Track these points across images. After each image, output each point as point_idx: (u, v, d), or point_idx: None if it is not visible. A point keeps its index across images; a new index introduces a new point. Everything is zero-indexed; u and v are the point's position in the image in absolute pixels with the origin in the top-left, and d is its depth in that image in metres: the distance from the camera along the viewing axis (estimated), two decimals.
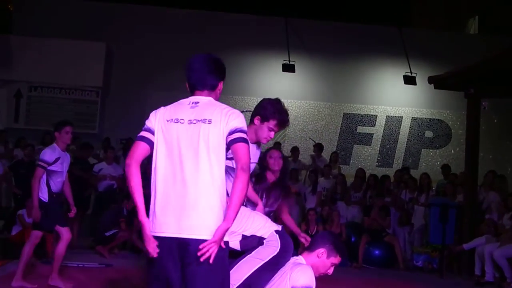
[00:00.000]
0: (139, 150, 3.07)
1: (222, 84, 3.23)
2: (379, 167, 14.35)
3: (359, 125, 14.89)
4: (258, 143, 4.11)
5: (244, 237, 3.74)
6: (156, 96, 12.86)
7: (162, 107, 3.17)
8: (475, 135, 9.72)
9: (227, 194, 3.05)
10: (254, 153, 3.98)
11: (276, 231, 3.80)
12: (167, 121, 3.07)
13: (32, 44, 13.46)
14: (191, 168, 2.97)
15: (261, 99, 4.20)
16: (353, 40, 14.60)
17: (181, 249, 2.95)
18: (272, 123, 4.00)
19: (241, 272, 3.65)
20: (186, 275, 2.96)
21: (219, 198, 2.98)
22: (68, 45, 13.47)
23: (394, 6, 16.98)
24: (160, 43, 13.90)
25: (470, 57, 11.39)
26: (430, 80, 10.11)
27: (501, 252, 8.32)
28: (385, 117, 14.93)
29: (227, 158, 3.05)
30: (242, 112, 3.13)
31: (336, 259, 3.86)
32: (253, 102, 12.47)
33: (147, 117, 3.17)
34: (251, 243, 3.75)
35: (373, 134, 14.91)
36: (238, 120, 3.02)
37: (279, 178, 4.69)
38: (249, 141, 3.06)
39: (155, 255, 2.95)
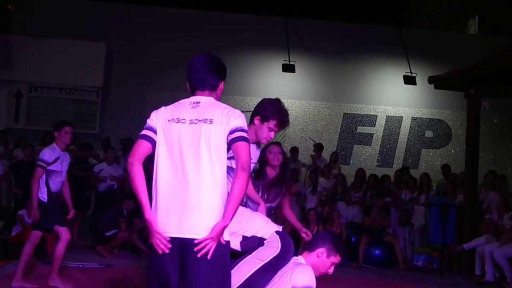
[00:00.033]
0: (141, 149, 3.07)
1: (223, 84, 3.23)
2: (379, 167, 14.35)
3: (359, 125, 14.90)
4: (258, 143, 4.11)
5: (244, 238, 3.73)
6: (156, 96, 12.87)
7: (163, 107, 3.17)
8: (475, 135, 9.72)
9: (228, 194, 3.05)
10: (254, 153, 3.98)
11: (277, 232, 3.79)
12: (169, 121, 3.07)
13: (32, 44, 13.46)
14: (193, 168, 2.98)
15: (261, 99, 4.20)
16: (353, 40, 14.61)
17: (182, 249, 2.94)
18: (272, 123, 4.00)
19: (241, 272, 3.65)
20: (187, 275, 2.96)
21: (220, 198, 2.98)
22: (68, 45, 13.48)
23: (394, 6, 16.97)
24: (160, 43, 13.90)
25: (470, 57, 11.39)
26: (430, 80, 10.11)
27: (501, 252, 8.32)
28: (385, 117, 14.94)
29: (227, 158, 3.06)
30: (242, 112, 3.13)
31: (336, 259, 3.86)
32: (253, 102, 12.46)
33: (147, 117, 3.17)
34: (252, 244, 3.75)
35: (373, 134, 14.91)
36: (239, 119, 3.03)
37: (279, 173, 4.68)
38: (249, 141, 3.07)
39: (166, 250, 2.94)
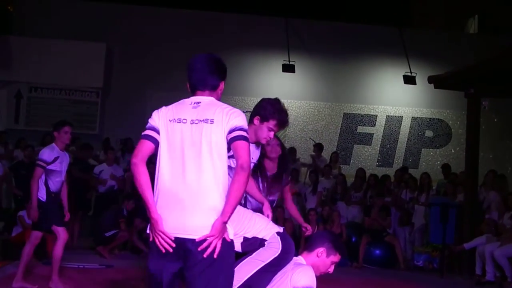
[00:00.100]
0: (144, 149, 3.06)
1: (223, 84, 3.23)
2: (379, 167, 14.35)
3: (359, 125, 14.90)
4: (257, 143, 4.11)
5: (245, 239, 3.73)
6: (156, 97, 12.87)
7: (164, 107, 3.17)
8: (475, 135, 9.72)
9: None
10: (254, 152, 3.98)
11: (278, 233, 3.79)
12: (170, 121, 3.08)
13: (32, 45, 13.46)
14: (194, 168, 2.98)
15: (261, 99, 4.20)
16: (353, 40, 14.61)
17: (184, 249, 2.95)
18: (271, 123, 3.99)
19: (241, 273, 3.64)
20: (189, 276, 2.96)
21: (222, 198, 2.98)
22: (68, 45, 13.48)
23: (394, 6, 16.94)
24: (160, 43, 13.91)
25: (470, 57, 11.42)
26: (430, 79, 10.11)
27: (502, 251, 8.31)
28: (385, 117, 14.94)
29: (227, 157, 3.06)
30: (242, 112, 3.13)
31: (336, 257, 3.87)
32: (253, 102, 12.38)
33: (147, 117, 3.17)
34: (253, 245, 3.75)
35: (373, 134, 14.91)
36: (238, 118, 3.03)
37: (278, 166, 4.67)
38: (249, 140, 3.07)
39: (170, 250, 2.94)
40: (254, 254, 3.73)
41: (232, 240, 3.05)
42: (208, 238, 2.91)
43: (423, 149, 15.02)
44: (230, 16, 14.54)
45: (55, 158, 6.34)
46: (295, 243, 3.96)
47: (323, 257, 3.84)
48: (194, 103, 3.11)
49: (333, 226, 10.03)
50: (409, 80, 13.99)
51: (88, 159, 11.07)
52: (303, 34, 14.54)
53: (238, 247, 3.72)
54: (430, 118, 15.06)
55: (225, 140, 3.01)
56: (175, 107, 3.14)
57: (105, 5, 14.21)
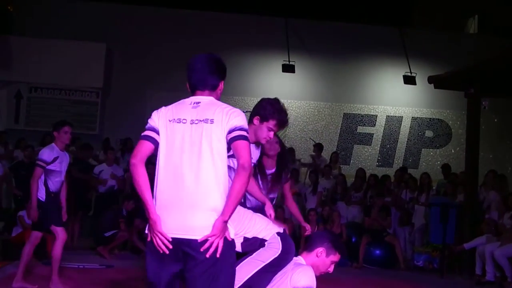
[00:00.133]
0: (143, 149, 3.06)
1: (222, 84, 3.23)
2: (379, 167, 14.36)
3: (359, 125, 14.90)
4: (257, 143, 4.10)
5: (245, 239, 3.73)
6: (156, 97, 12.87)
7: (163, 107, 3.17)
8: (475, 135, 9.72)
9: None
10: (254, 152, 3.97)
11: (278, 233, 3.79)
12: (170, 121, 3.07)
13: (32, 45, 13.46)
14: (194, 168, 2.97)
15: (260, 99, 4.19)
16: (353, 40, 14.61)
17: (183, 249, 2.95)
18: (271, 123, 3.99)
19: (242, 273, 3.64)
20: (188, 276, 2.96)
21: (222, 198, 2.98)
22: (68, 46, 13.48)
23: (394, 6, 16.95)
24: (160, 43, 13.90)
25: (470, 57, 11.41)
26: (430, 80, 10.11)
27: (502, 251, 8.31)
28: (385, 117, 14.94)
29: (227, 157, 3.06)
30: (242, 112, 3.13)
31: (335, 257, 3.87)
32: (253, 102, 12.36)
33: (147, 117, 3.17)
34: (253, 245, 3.75)
35: (373, 134, 14.91)
36: (238, 118, 3.03)
37: (277, 163, 4.66)
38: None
39: (167, 251, 2.94)
40: (254, 254, 3.73)
41: (233, 240, 3.05)
42: (210, 238, 2.91)
43: (423, 149, 15.02)
44: (230, 16, 14.54)
45: (54, 158, 6.33)
46: (295, 243, 3.96)
47: (322, 257, 3.84)
48: (194, 103, 3.10)
49: (333, 226, 10.03)
50: (409, 80, 13.99)
51: (88, 159, 11.07)
52: (303, 34, 14.54)
53: (238, 247, 3.72)
54: (430, 118, 15.07)
55: (225, 140, 3.00)
56: (174, 107, 3.13)
57: (105, 5, 14.21)
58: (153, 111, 3.19)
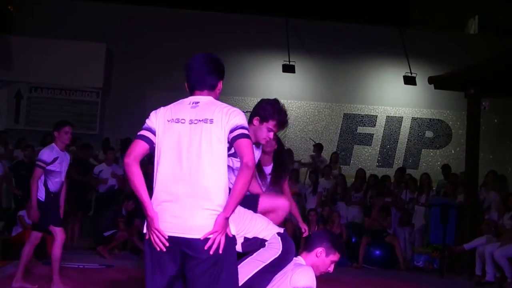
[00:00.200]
0: (138, 149, 3.06)
1: (221, 83, 3.23)
2: (379, 167, 14.36)
3: (359, 126, 14.90)
4: (257, 143, 4.10)
5: (246, 239, 3.73)
6: (156, 97, 12.88)
7: (162, 107, 3.17)
8: (475, 135, 9.72)
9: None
10: (254, 153, 3.96)
11: (278, 234, 3.79)
12: (168, 121, 3.07)
13: (32, 44, 13.47)
14: (194, 168, 2.97)
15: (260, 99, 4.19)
16: (353, 40, 14.61)
17: (183, 249, 2.95)
18: (271, 124, 3.99)
19: (242, 273, 3.64)
20: (189, 276, 2.96)
21: (223, 198, 2.98)
22: (68, 46, 13.49)
23: (394, 6, 16.97)
24: (160, 43, 13.90)
25: (470, 57, 11.39)
26: (430, 80, 10.11)
27: (502, 252, 8.31)
28: (385, 117, 14.94)
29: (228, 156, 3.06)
30: (242, 112, 3.13)
31: (335, 256, 3.87)
32: (253, 102, 12.37)
33: (147, 117, 3.17)
34: (253, 245, 3.75)
35: (373, 134, 14.91)
36: (238, 117, 3.03)
37: (275, 161, 4.65)
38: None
39: (164, 249, 2.95)
40: (254, 254, 3.73)
41: (234, 236, 3.05)
42: (211, 236, 2.92)
43: (423, 150, 15.02)
44: (230, 16, 14.54)
45: (54, 159, 6.32)
46: (295, 243, 3.96)
47: (322, 257, 3.85)
48: (193, 103, 3.10)
49: (333, 227, 10.03)
50: (409, 80, 13.99)
51: (89, 159, 11.08)
52: (303, 34, 14.54)
53: (239, 248, 3.72)
54: (430, 119, 15.06)
55: (226, 140, 3.00)
56: (173, 107, 3.13)
57: (105, 5, 14.21)
58: (153, 111, 3.19)
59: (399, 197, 10.90)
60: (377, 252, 9.92)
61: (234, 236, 3.05)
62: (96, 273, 7.82)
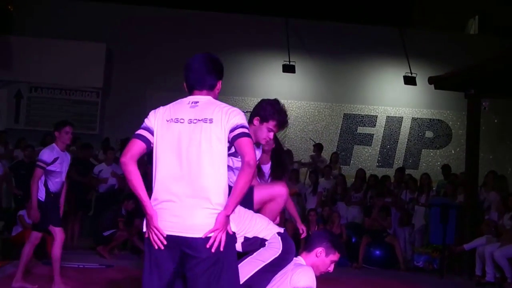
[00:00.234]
0: (135, 148, 3.05)
1: (220, 83, 3.23)
2: (379, 168, 14.36)
3: (359, 126, 14.90)
4: (257, 143, 4.10)
5: (246, 238, 3.73)
6: (156, 97, 12.87)
7: (161, 107, 3.17)
8: (475, 135, 9.72)
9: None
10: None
11: (278, 233, 3.79)
12: (167, 121, 3.07)
13: (32, 44, 13.48)
14: (193, 168, 2.97)
15: (260, 99, 4.20)
16: (353, 40, 14.61)
17: (182, 248, 2.95)
18: (271, 124, 3.99)
19: (242, 273, 3.64)
20: (189, 275, 2.97)
21: (223, 197, 2.98)
22: (68, 45, 13.49)
23: (394, 6, 16.97)
24: (160, 43, 13.91)
25: (470, 58, 11.38)
26: (430, 80, 10.11)
27: (502, 252, 8.31)
28: (385, 118, 14.94)
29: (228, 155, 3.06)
30: (242, 112, 3.13)
31: (335, 256, 3.87)
32: (253, 102, 12.36)
33: (147, 116, 3.17)
34: (253, 245, 3.75)
35: (373, 134, 14.91)
36: (238, 117, 3.03)
37: (273, 160, 4.65)
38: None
39: (162, 247, 2.95)
40: (254, 254, 3.73)
41: (234, 234, 3.06)
42: (213, 234, 2.92)
43: (423, 150, 15.02)
44: (230, 16, 14.54)
45: (55, 159, 6.31)
46: (295, 243, 3.96)
47: (322, 257, 3.85)
48: (192, 103, 3.10)
49: (333, 227, 10.03)
50: (409, 80, 13.99)
51: (89, 159, 11.08)
52: (303, 35, 14.54)
53: (239, 247, 3.73)
54: (430, 119, 15.06)
55: (225, 140, 3.00)
56: (172, 107, 3.13)
57: (105, 5, 14.21)
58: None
59: (399, 197, 10.90)
60: (377, 252, 9.92)
61: (234, 234, 3.06)
62: (96, 273, 7.82)
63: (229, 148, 3.04)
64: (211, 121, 3.01)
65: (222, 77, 3.23)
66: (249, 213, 3.85)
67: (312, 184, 11.34)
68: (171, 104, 3.16)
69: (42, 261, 8.03)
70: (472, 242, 8.97)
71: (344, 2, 16.29)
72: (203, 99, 3.12)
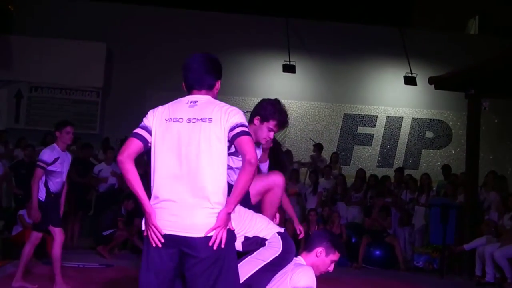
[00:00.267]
0: (132, 147, 3.05)
1: (219, 83, 3.22)
2: (379, 168, 14.36)
3: (359, 126, 14.90)
4: (257, 143, 4.10)
5: (246, 238, 3.73)
6: (156, 96, 12.85)
7: (160, 106, 3.16)
8: (475, 136, 9.72)
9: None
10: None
11: (279, 233, 3.79)
12: (166, 120, 3.07)
13: (33, 44, 13.48)
14: (193, 167, 2.97)
15: (261, 99, 4.19)
16: (354, 40, 14.61)
17: (182, 248, 2.95)
18: (271, 124, 3.99)
19: (242, 272, 3.64)
20: (189, 275, 2.97)
21: (222, 197, 2.98)
22: (68, 45, 13.49)
23: (394, 6, 16.97)
24: (160, 43, 13.91)
25: (470, 58, 11.38)
26: (431, 80, 10.11)
27: (502, 252, 8.31)
28: (385, 118, 14.94)
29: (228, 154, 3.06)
30: (243, 112, 3.13)
31: (335, 256, 3.87)
32: (253, 102, 12.36)
33: (145, 115, 3.17)
34: (253, 244, 3.75)
35: (373, 134, 14.91)
36: (238, 116, 3.03)
37: (271, 159, 4.64)
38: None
39: (160, 245, 2.96)
40: (255, 253, 3.73)
41: (233, 231, 3.07)
42: (214, 232, 2.92)
43: (423, 150, 15.02)
44: (230, 16, 14.54)
45: (55, 159, 6.31)
46: (295, 243, 3.96)
47: (322, 257, 3.85)
48: (191, 102, 3.10)
49: (333, 227, 10.03)
50: (409, 80, 13.99)
51: (89, 159, 11.09)
52: (304, 34, 14.54)
53: (239, 246, 3.72)
54: (431, 119, 15.06)
55: (225, 139, 3.00)
56: (171, 106, 3.13)
57: (105, 5, 14.22)
58: None
59: (399, 197, 10.90)
60: (377, 252, 9.92)
61: (234, 232, 3.06)
62: (96, 272, 7.82)
63: (228, 148, 3.04)
64: (210, 120, 3.00)
65: (221, 77, 3.22)
66: (249, 212, 3.85)
67: (312, 184, 11.34)
68: (169, 104, 3.16)
69: (42, 261, 8.03)
70: (472, 242, 8.97)
71: (344, 2, 16.30)
72: (202, 99, 3.12)
